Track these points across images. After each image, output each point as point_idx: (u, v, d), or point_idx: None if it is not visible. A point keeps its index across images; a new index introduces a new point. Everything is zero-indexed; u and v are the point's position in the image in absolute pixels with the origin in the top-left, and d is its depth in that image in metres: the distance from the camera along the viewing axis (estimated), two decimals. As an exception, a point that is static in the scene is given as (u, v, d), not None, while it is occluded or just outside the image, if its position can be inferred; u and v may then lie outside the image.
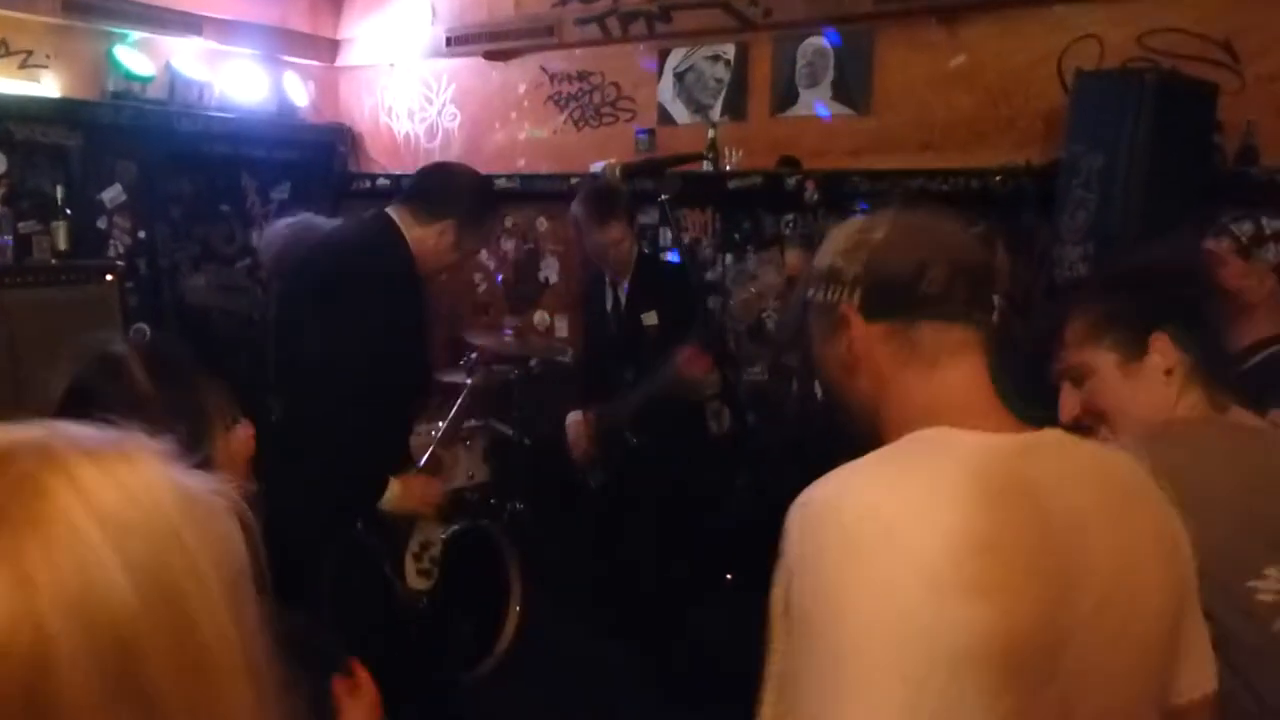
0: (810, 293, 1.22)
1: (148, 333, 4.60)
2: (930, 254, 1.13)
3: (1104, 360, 1.54)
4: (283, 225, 3.86)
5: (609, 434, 3.60)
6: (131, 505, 0.58)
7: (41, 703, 0.52)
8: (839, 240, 1.20)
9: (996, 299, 1.15)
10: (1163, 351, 1.50)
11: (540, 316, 5.20)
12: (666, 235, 3.36)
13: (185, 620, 0.58)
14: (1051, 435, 1.11)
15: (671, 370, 3.25)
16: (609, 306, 3.68)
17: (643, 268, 3.60)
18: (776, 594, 1.01)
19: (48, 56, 4.45)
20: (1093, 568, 1.02)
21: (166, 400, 1.44)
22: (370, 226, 2.76)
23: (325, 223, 3.76)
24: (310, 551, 2.56)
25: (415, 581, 2.91)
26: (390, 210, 2.72)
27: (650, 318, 3.56)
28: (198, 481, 0.64)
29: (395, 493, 2.72)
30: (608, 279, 3.64)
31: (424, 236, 2.68)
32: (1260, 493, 1.39)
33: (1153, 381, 1.51)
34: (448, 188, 2.76)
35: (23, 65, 4.36)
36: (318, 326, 2.53)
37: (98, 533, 0.56)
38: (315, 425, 2.52)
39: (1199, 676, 1.15)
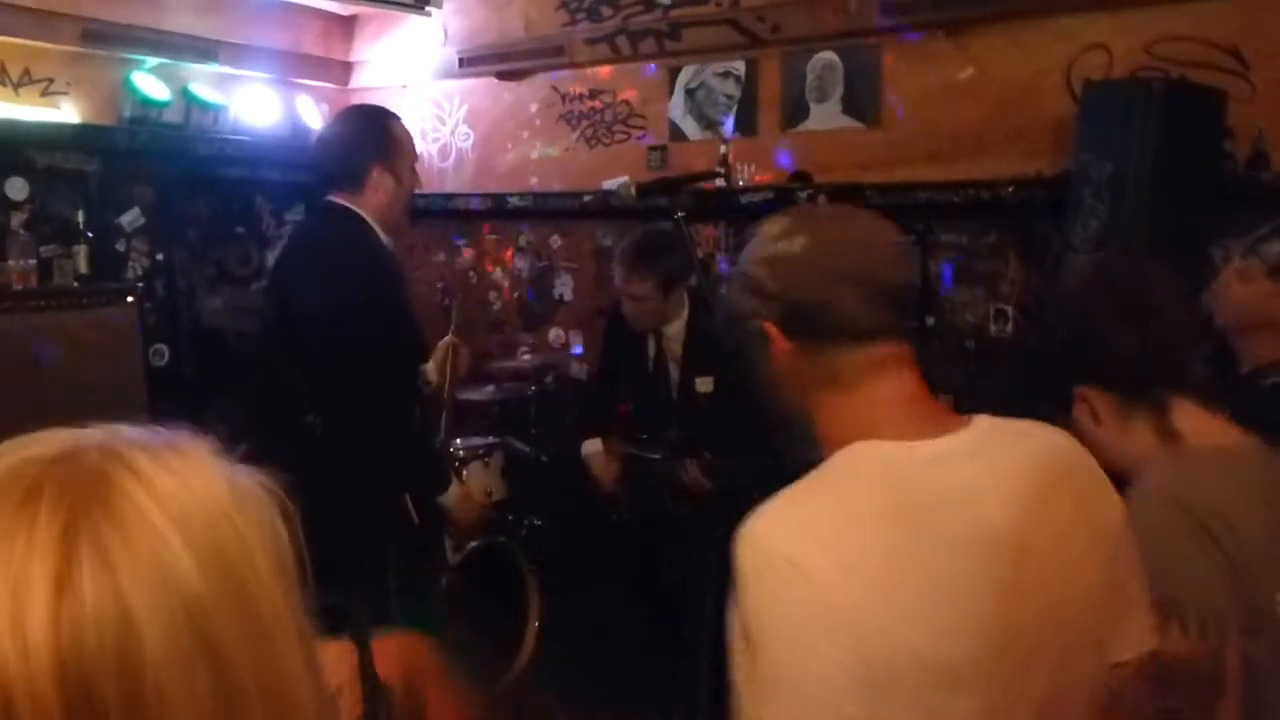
0: (737, 292, 1.21)
1: (166, 354, 4.66)
2: (844, 278, 1.11)
3: (1090, 416, 1.57)
4: None
5: (641, 487, 3.48)
6: (189, 493, 0.63)
7: (132, 663, 0.57)
8: (759, 245, 1.19)
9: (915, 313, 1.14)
10: (1078, 407, 1.54)
11: (555, 333, 5.23)
12: (685, 271, 3.29)
13: (242, 592, 0.63)
14: (980, 428, 1.12)
15: (676, 472, 3.26)
16: (650, 353, 3.47)
17: (699, 321, 3.35)
18: (730, 624, 1.03)
19: (67, 84, 4.52)
20: (1032, 561, 1.03)
21: None
22: (324, 221, 2.75)
23: None
24: (374, 547, 2.61)
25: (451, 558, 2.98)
26: (331, 199, 2.71)
27: (705, 384, 3.35)
28: (245, 475, 0.69)
29: (456, 493, 2.79)
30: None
31: (370, 199, 2.67)
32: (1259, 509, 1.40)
33: (1090, 433, 1.53)
34: (343, 148, 2.73)
35: (44, 93, 4.44)
36: (333, 334, 2.56)
37: (162, 517, 0.61)
38: (372, 417, 2.57)
39: (1138, 635, 1.15)
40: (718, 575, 3.36)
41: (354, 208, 2.68)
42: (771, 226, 1.19)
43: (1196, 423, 1.51)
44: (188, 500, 0.63)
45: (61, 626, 0.56)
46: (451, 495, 2.78)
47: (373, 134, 2.73)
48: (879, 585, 0.96)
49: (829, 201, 4.12)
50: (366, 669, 1.32)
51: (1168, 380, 1.52)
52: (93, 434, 0.66)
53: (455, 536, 3.02)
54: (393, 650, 1.42)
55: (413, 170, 2.82)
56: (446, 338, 3.28)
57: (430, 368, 3.06)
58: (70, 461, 0.62)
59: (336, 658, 1.34)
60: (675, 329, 3.41)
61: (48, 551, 0.57)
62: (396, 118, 2.84)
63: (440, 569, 3.10)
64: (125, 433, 0.67)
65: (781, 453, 3.15)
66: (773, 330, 1.15)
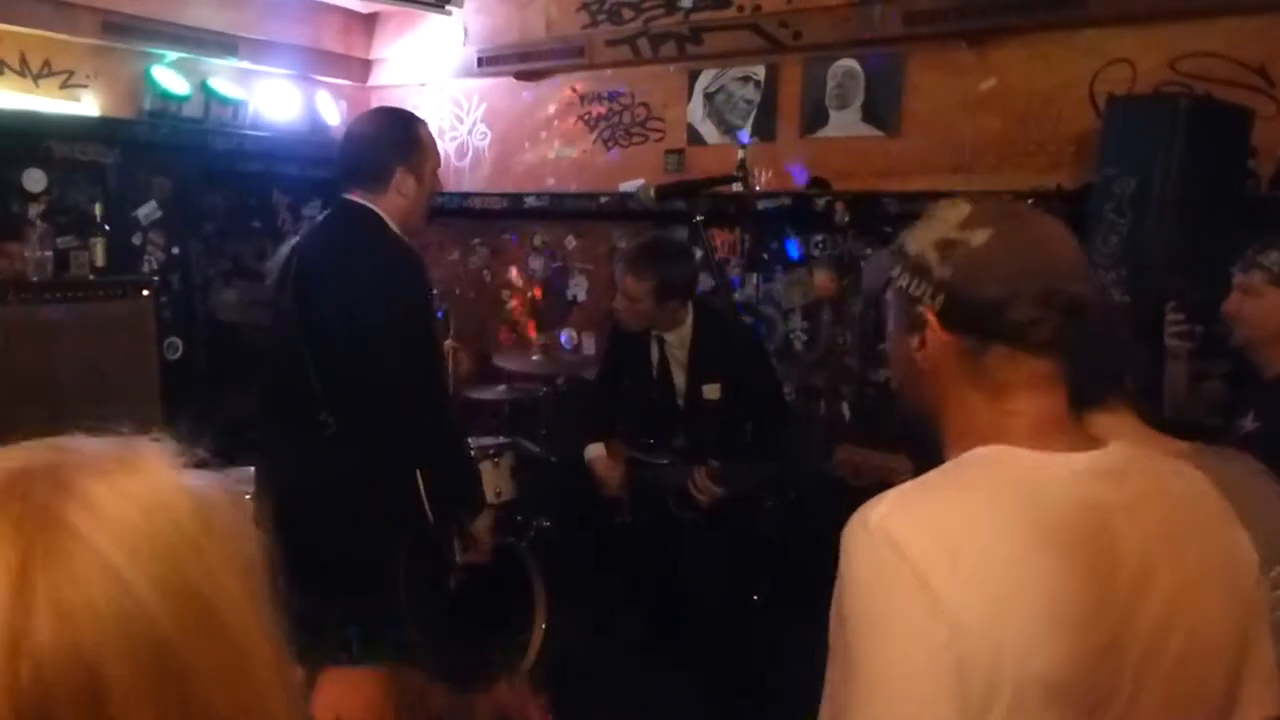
0: (895, 271, 1.14)
1: (180, 347, 4.67)
2: (1026, 280, 1.04)
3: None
4: None
5: (646, 492, 3.45)
6: (146, 520, 0.61)
7: (97, 707, 0.55)
8: (936, 227, 1.11)
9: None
10: None
11: (568, 334, 5.22)
12: (698, 255, 3.30)
13: (211, 619, 0.61)
14: (1118, 454, 1.07)
15: (684, 476, 3.24)
16: (653, 360, 3.42)
17: (704, 328, 3.32)
18: (833, 611, 1.00)
19: (88, 76, 4.53)
20: (1154, 597, 1.01)
21: None
22: (347, 219, 2.71)
23: None
24: (386, 543, 2.62)
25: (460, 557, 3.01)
26: (350, 197, 2.69)
27: (713, 391, 3.30)
28: (206, 482, 0.66)
29: (486, 525, 2.83)
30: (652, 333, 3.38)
31: (391, 200, 2.66)
32: None
33: None
34: (369, 146, 2.71)
35: (64, 85, 4.45)
36: (367, 336, 2.53)
37: (117, 553, 0.58)
38: (417, 420, 2.57)
39: (1258, 698, 1.12)
40: (723, 581, 3.36)
41: (373, 207, 2.66)
42: (950, 212, 1.11)
43: (1103, 434, 1.50)
44: (145, 528, 0.60)
45: (20, 683, 0.54)
46: (481, 522, 2.79)
47: (400, 135, 2.72)
48: (991, 589, 0.93)
49: (847, 209, 4.11)
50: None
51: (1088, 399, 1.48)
52: (43, 455, 0.63)
53: (465, 540, 3.01)
54: (335, 693, 1.36)
55: (435, 175, 2.81)
56: (447, 342, 3.29)
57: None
58: (19, 497, 0.59)
59: None
60: (678, 336, 3.36)
61: (2, 608, 0.55)
62: (423, 122, 2.84)
63: (448, 569, 3.10)
64: (76, 455, 0.64)
65: (788, 460, 3.17)
66: (931, 318, 1.09)
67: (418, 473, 2.65)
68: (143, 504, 0.61)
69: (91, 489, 0.60)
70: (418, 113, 5.74)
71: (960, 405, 1.11)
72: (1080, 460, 1.05)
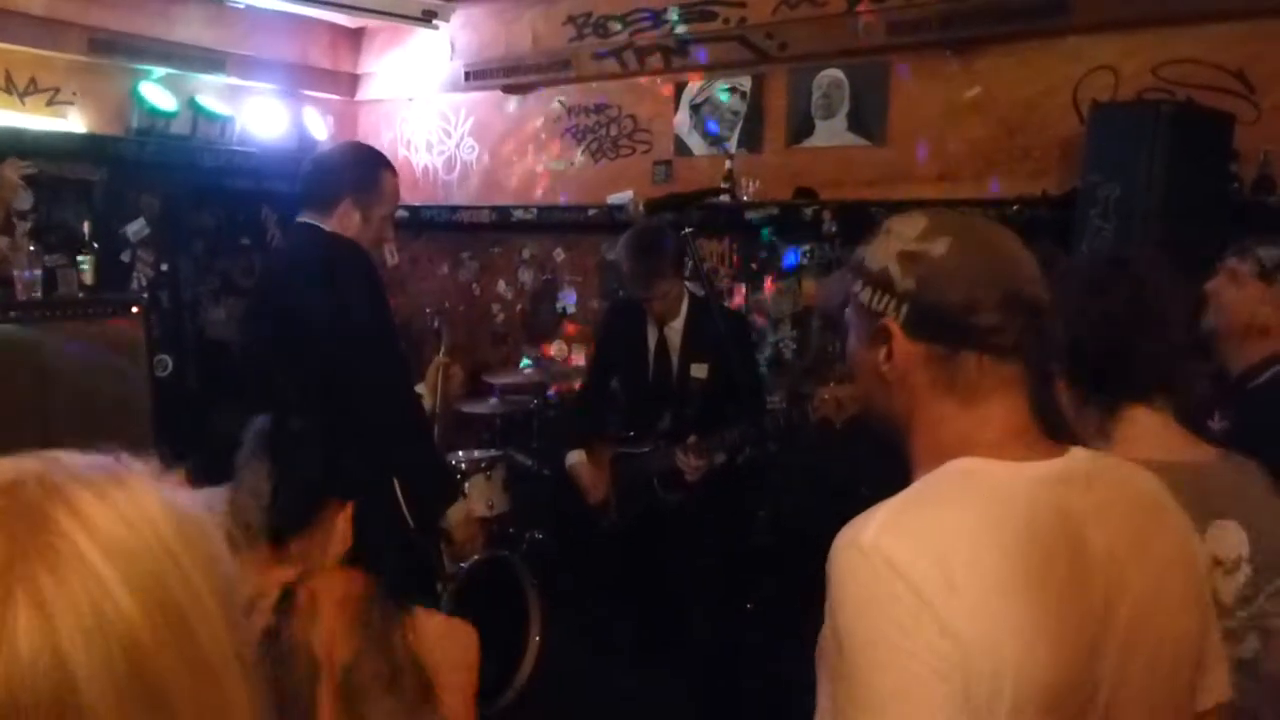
0: (856, 287, 1.15)
1: (170, 364, 4.66)
2: (988, 285, 1.06)
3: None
4: None
5: (632, 483, 3.51)
6: (129, 529, 0.62)
7: (70, 709, 0.56)
8: (895, 240, 1.12)
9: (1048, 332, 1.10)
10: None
11: (558, 346, 5.23)
12: (688, 266, 3.34)
13: (185, 629, 0.62)
14: (1081, 460, 1.10)
15: (669, 457, 3.31)
16: (651, 344, 3.54)
17: (698, 314, 3.44)
18: (826, 633, 1.01)
19: (74, 94, 4.53)
20: (1126, 599, 1.03)
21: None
22: (293, 240, 2.80)
23: None
24: (372, 552, 2.63)
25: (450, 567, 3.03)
26: (303, 219, 2.76)
27: (700, 370, 3.42)
28: (188, 501, 0.68)
29: (460, 516, 2.81)
30: (651, 317, 3.50)
31: (335, 227, 2.71)
32: None
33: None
34: (326, 173, 2.77)
35: (50, 102, 4.45)
36: (343, 341, 2.57)
37: (101, 558, 0.60)
38: (381, 425, 2.57)
39: (1214, 685, 1.15)
40: (715, 589, 3.37)
41: (319, 225, 2.72)
42: (906, 226, 1.12)
43: (1142, 433, 1.50)
44: (128, 538, 0.61)
45: None
46: (455, 513, 2.80)
47: (358, 170, 2.78)
48: (987, 602, 0.95)
49: (834, 218, 4.13)
50: (287, 591, 1.55)
51: (1140, 389, 1.51)
52: (32, 466, 0.64)
53: (452, 550, 3.03)
54: (433, 629, 1.66)
55: (384, 221, 2.83)
56: (437, 358, 3.31)
57: (422, 389, 3.09)
58: (9, 499, 0.61)
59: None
60: (678, 323, 3.50)
61: None
62: (392, 168, 2.87)
63: (435, 579, 3.10)
64: (65, 464, 0.65)
65: (763, 416, 3.24)
66: (896, 330, 1.10)
67: (395, 481, 2.67)
68: (127, 515, 0.62)
69: (79, 496, 0.62)
70: (405, 126, 5.81)
71: (929, 414, 1.12)
72: (1047, 468, 1.07)
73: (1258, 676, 1.43)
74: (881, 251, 1.13)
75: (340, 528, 1.74)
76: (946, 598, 0.94)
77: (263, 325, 2.76)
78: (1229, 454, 1.51)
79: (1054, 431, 1.13)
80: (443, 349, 3.43)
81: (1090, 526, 1.03)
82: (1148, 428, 1.50)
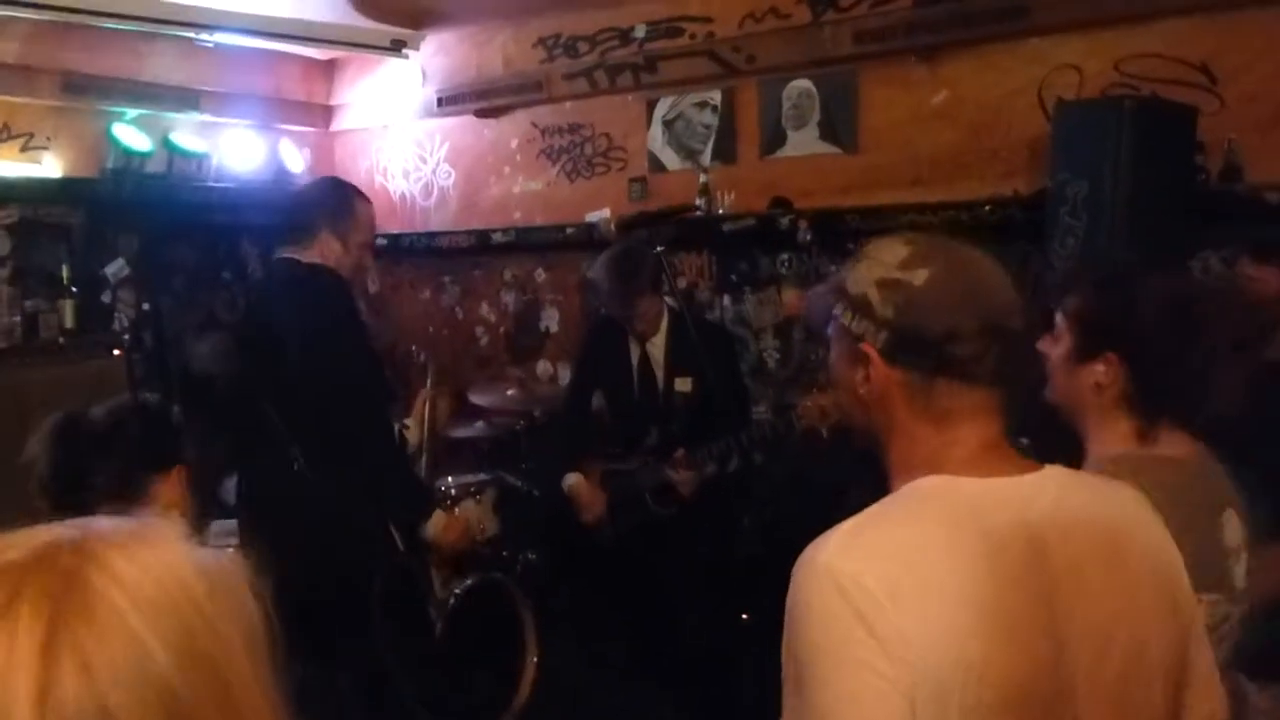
0: (838, 310, 1.19)
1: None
2: (966, 316, 1.09)
3: (1059, 349, 1.58)
4: None
5: (625, 499, 3.52)
6: (160, 588, 0.65)
7: None
8: (876, 267, 1.15)
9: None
10: (1105, 366, 1.53)
11: (543, 366, 5.24)
12: (664, 284, 3.37)
13: (217, 679, 0.65)
14: (1052, 476, 1.13)
15: (660, 473, 3.33)
16: (634, 361, 3.57)
17: (679, 328, 3.46)
18: (784, 646, 1.04)
19: (48, 138, 4.54)
20: (1092, 615, 1.05)
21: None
22: (282, 274, 2.87)
23: None
24: (362, 576, 2.66)
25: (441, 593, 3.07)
26: (283, 254, 2.86)
27: (684, 384, 3.45)
28: (212, 556, 0.72)
29: (440, 523, 2.84)
30: (632, 334, 3.53)
31: (315, 258, 2.78)
32: (1189, 530, 1.42)
33: (1082, 387, 1.56)
34: (301, 206, 2.89)
35: (24, 148, 4.45)
36: (319, 367, 2.63)
37: (136, 616, 0.63)
38: (358, 448, 2.64)
39: (1204, 702, 1.17)
40: (708, 603, 3.37)
41: (300, 259, 2.79)
42: (887, 253, 1.15)
43: (1174, 438, 1.53)
44: (159, 596, 0.65)
45: None
46: (434, 522, 2.83)
47: (332, 201, 2.86)
48: (939, 614, 0.97)
49: (810, 226, 4.15)
50: None
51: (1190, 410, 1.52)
52: (66, 532, 0.68)
53: (442, 570, 3.03)
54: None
55: (363, 248, 2.90)
56: (424, 390, 3.34)
57: (409, 423, 3.13)
58: (47, 565, 0.64)
59: None
60: (659, 339, 3.53)
61: (31, 662, 0.59)
62: (365, 199, 2.95)
63: (427, 603, 3.09)
64: (97, 528, 0.69)
65: (750, 426, 3.27)
66: (874, 354, 1.13)
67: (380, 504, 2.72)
68: (156, 573, 0.66)
69: (113, 559, 0.65)
70: (380, 155, 5.83)
71: (904, 434, 1.15)
72: (1015, 483, 1.10)
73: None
74: (863, 276, 1.16)
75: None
76: (891, 612, 0.97)
77: (245, 356, 2.86)
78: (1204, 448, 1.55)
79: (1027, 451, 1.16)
80: (429, 381, 3.45)
81: (1056, 542, 1.06)
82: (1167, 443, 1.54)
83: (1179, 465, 1.47)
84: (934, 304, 1.10)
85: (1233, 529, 1.48)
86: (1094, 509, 1.12)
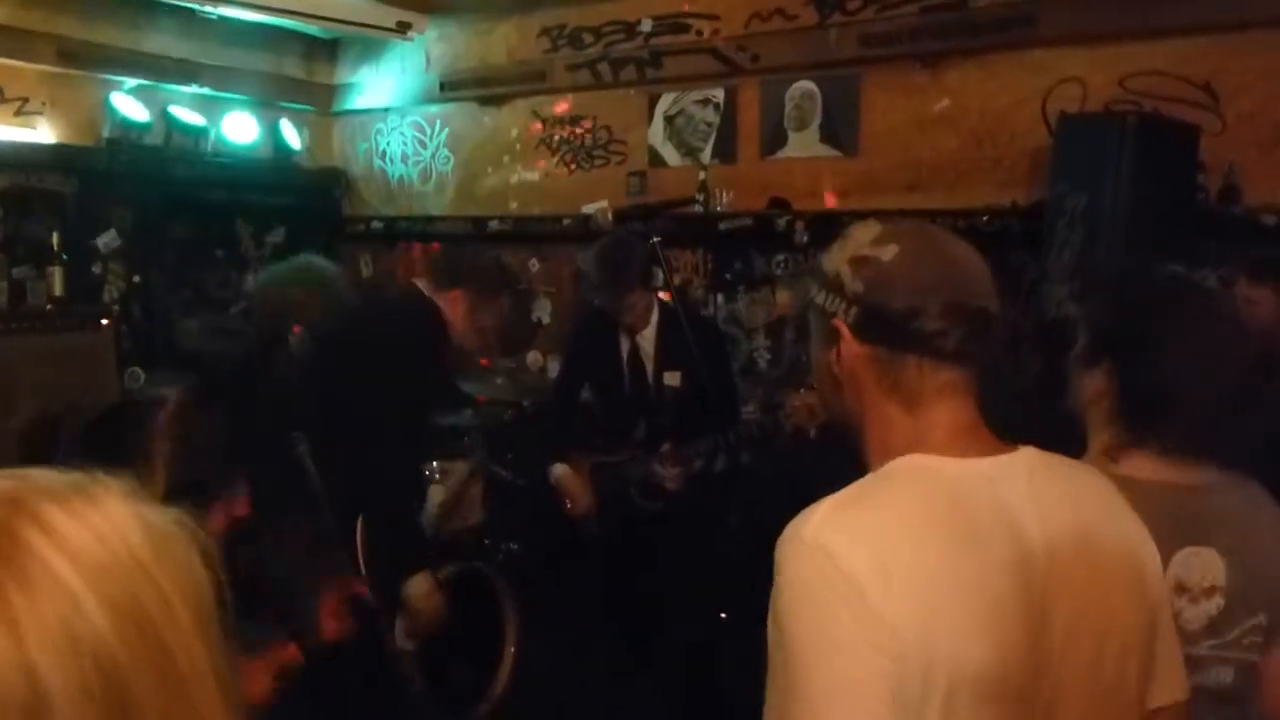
0: (814, 290, 1.20)
1: (142, 377, 4.62)
2: (931, 292, 1.10)
3: (1075, 351, 1.57)
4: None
5: (611, 492, 3.52)
6: (101, 545, 0.61)
7: None
8: (850, 245, 1.16)
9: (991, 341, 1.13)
10: (1102, 375, 1.51)
11: (534, 357, 5.22)
12: (659, 276, 3.36)
13: (159, 645, 0.61)
14: (1026, 456, 1.13)
15: (645, 467, 3.35)
16: (624, 354, 3.57)
17: (669, 322, 3.46)
18: (770, 620, 1.03)
19: (43, 104, 4.49)
20: (1066, 592, 1.05)
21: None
22: (400, 297, 3.13)
23: (326, 266, 3.74)
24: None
25: (402, 642, 2.93)
26: (417, 281, 3.11)
27: (673, 378, 3.46)
28: (160, 515, 0.67)
29: (423, 585, 2.84)
30: (622, 326, 3.54)
31: (441, 303, 2.97)
32: None
33: (1085, 394, 1.54)
34: (456, 261, 3.11)
35: (18, 112, 4.41)
36: (366, 386, 2.72)
37: (73, 575, 0.59)
38: (379, 467, 2.71)
39: (1170, 684, 1.17)
40: (690, 599, 3.37)
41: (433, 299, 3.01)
42: (862, 232, 1.16)
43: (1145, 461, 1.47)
44: (99, 553, 0.61)
45: None
46: (417, 584, 2.81)
47: (484, 272, 3.13)
48: (922, 597, 0.97)
49: (807, 229, 4.15)
50: None
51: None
52: (3, 485, 0.64)
53: (410, 624, 2.98)
54: None
55: (484, 332, 3.15)
56: (462, 467, 3.38)
57: (438, 491, 3.18)
58: None
59: None
60: (650, 332, 3.54)
61: None
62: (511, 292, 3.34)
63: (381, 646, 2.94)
64: (36, 480, 0.65)
65: (737, 424, 3.31)
66: (845, 331, 1.14)
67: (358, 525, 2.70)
68: (99, 531, 0.62)
69: (51, 513, 0.61)
70: (380, 138, 5.80)
71: (878, 414, 1.15)
72: (993, 464, 1.10)
73: (1240, 705, 1.43)
74: (837, 255, 1.17)
75: None
76: (882, 590, 0.97)
77: (336, 353, 2.92)
78: (1229, 476, 1.47)
79: (1001, 432, 1.15)
80: (470, 464, 3.45)
81: (1029, 519, 1.06)
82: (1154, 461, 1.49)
83: (1140, 488, 1.34)
84: (902, 278, 1.10)
85: (1200, 567, 1.41)
86: (1066, 491, 1.12)
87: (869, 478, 1.11)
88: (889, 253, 1.11)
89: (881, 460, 1.12)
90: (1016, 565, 1.03)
